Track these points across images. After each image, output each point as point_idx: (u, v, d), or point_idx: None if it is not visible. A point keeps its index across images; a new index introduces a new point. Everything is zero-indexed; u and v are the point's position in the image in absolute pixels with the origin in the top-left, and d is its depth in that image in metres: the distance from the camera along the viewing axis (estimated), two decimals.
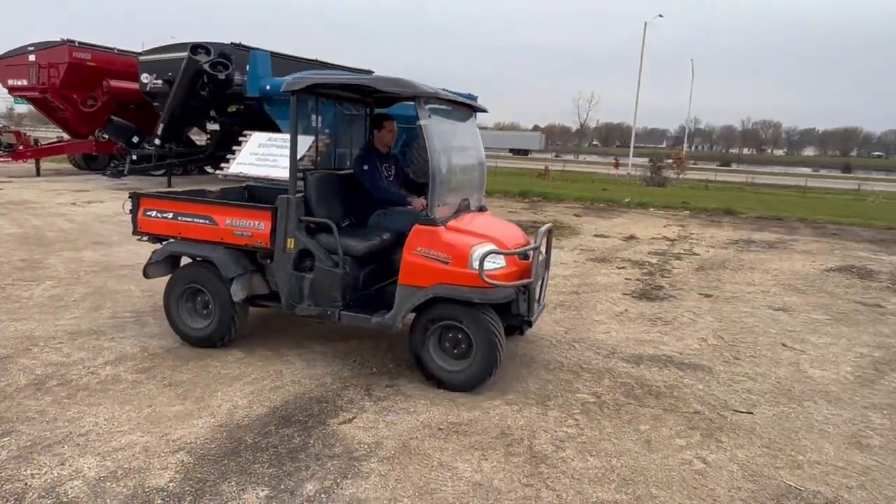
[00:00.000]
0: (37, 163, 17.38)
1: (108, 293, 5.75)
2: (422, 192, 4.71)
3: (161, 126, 15.40)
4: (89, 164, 18.69)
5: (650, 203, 15.84)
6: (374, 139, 4.67)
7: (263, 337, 4.73)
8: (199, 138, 19.42)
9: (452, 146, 4.22)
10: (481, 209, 4.69)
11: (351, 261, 4.05)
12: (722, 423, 3.63)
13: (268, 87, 13.29)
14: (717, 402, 3.91)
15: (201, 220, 4.33)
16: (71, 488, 2.71)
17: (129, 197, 4.67)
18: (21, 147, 17.69)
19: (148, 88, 15.99)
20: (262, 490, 2.75)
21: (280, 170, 14.66)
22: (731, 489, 2.93)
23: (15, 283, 6.00)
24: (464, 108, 4.58)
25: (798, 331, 5.52)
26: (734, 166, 64.56)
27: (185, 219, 4.38)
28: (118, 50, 17.88)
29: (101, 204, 11.80)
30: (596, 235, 10.52)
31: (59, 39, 16.77)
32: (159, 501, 2.64)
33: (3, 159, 16.98)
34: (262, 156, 13.97)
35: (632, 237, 10.49)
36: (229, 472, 2.89)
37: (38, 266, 6.67)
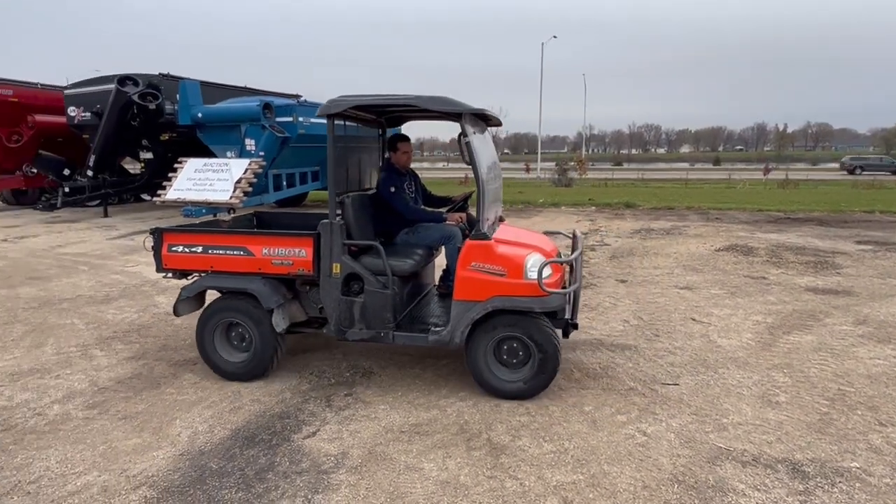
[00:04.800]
0: None
1: (49, 329, 5.17)
2: (442, 205, 4.49)
3: (93, 157, 14.24)
4: (19, 198, 17.02)
5: (561, 202, 16.25)
6: (391, 160, 4.34)
7: None
8: (133, 167, 18.13)
9: (486, 160, 3.90)
10: (500, 219, 4.42)
11: (398, 280, 3.77)
12: (654, 396, 3.67)
13: (199, 115, 12.58)
14: (647, 378, 3.96)
15: (236, 252, 3.85)
16: None
17: (150, 233, 4.07)
18: None
19: (76, 121, 14.76)
20: None
21: (218, 193, 13.88)
22: (672, 457, 2.95)
23: None
24: (483, 121, 4.23)
25: (702, 306, 5.74)
26: (626, 165, 67.73)
27: (218, 251, 3.88)
28: (41, 85, 16.41)
29: (35, 238, 10.73)
30: None
31: None
32: None
33: None
34: (199, 181, 13.20)
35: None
36: (196, 501, 2.60)
37: None
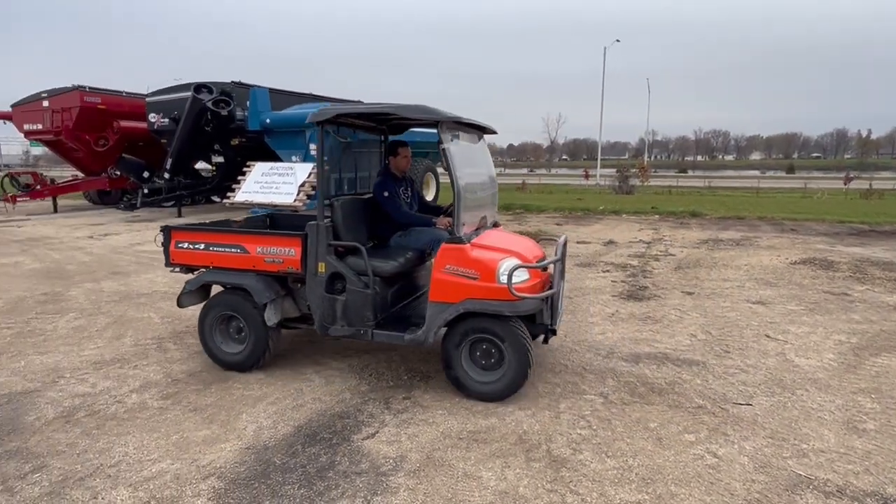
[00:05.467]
0: (54, 200, 16.99)
1: (128, 321, 5.51)
2: (439, 212, 4.63)
3: (169, 161, 15.13)
4: (103, 198, 18.31)
5: (622, 209, 15.82)
6: (389, 165, 4.54)
7: (281, 356, 4.51)
8: (206, 170, 19.11)
9: (470, 167, 4.08)
10: (495, 225, 4.55)
11: (380, 281, 3.90)
12: (725, 416, 3.48)
13: (268, 121, 13.11)
14: (717, 396, 3.77)
15: (233, 250, 4.13)
16: None
17: (161, 230, 4.42)
18: (38, 186, 17.28)
19: (156, 127, 15.72)
20: None
21: (283, 196, 14.47)
22: (745, 482, 2.78)
23: (39, 316, 5.73)
24: (475, 130, 4.44)
25: (778, 322, 5.42)
26: (691, 172, 65.23)
27: (218, 249, 4.18)
28: (126, 93, 17.59)
29: (117, 236, 11.49)
30: (578, 242, 10.42)
31: (70, 86, 16.46)
32: None
33: (21, 199, 16.56)
34: (265, 184, 13.81)
35: (611, 242, 10.40)
36: (261, 495, 2.69)
37: (60, 299, 6.39)
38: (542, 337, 3.91)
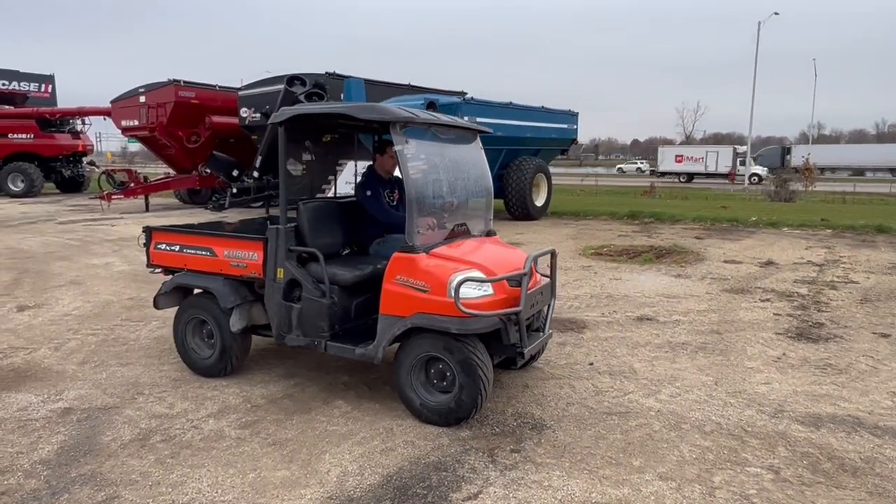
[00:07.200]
0: (146, 199, 18.69)
1: None
2: None
3: (259, 159, 16.06)
4: (193, 198, 19.88)
5: (782, 221, 14.50)
6: (375, 164, 4.80)
7: (370, 387, 4.47)
8: (296, 169, 20.15)
9: (442, 170, 4.35)
10: (489, 234, 4.63)
11: (339, 290, 4.12)
12: None
13: None
14: None
15: (203, 252, 4.54)
16: None
17: (143, 231, 4.93)
18: (132, 184, 19.13)
19: (247, 122, 16.77)
20: None
21: None
22: None
23: (124, 322, 6.19)
24: (463, 130, 4.60)
25: None
26: (870, 175, 58.94)
27: (190, 251, 4.61)
28: (219, 87, 19.00)
29: None
30: (726, 261, 9.62)
31: (166, 80, 18.06)
32: None
33: (116, 197, 18.40)
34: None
35: (770, 262, 9.49)
36: None
37: (145, 304, 6.87)
38: (522, 361, 4.04)
